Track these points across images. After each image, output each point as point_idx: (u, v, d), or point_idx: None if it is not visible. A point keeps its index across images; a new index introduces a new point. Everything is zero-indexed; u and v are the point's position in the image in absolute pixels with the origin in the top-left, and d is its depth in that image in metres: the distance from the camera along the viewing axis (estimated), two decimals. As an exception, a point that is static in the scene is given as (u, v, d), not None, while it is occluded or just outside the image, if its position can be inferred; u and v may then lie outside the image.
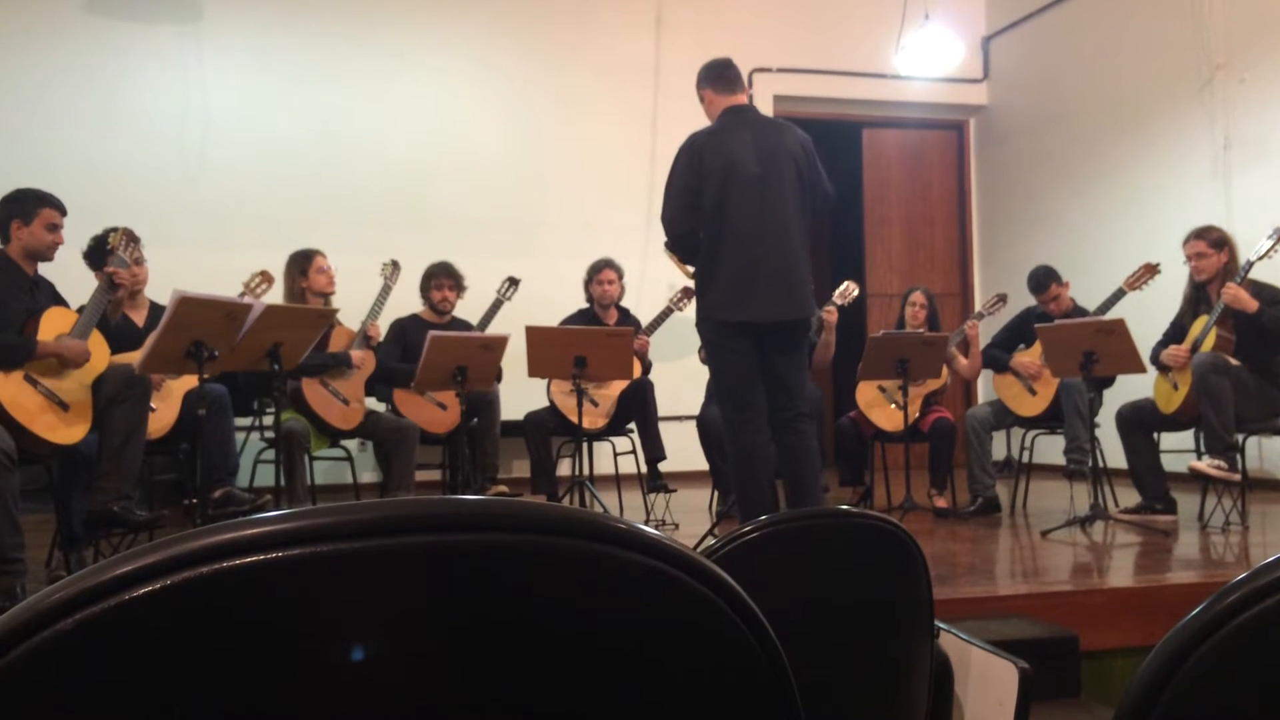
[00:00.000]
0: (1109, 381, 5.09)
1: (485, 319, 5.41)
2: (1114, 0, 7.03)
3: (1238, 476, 4.40)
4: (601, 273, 5.62)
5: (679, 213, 3.94)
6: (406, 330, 5.35)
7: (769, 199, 3.87)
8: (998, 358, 5.40)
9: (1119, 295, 5.00)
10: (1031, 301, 5.45)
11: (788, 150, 3.94)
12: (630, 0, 7.43)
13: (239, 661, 0.48)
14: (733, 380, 3.93)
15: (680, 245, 4.10)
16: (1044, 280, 5.30)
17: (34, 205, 3.72)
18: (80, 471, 3.74)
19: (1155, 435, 4.78)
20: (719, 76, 4.08)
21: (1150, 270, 5.01)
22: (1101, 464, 4.74)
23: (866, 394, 5.44)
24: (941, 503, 5.24)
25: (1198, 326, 4.62)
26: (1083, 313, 5.15)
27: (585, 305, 5.71)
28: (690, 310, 5.70)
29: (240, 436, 4.72)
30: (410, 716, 0.51)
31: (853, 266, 8.03)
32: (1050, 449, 5.48)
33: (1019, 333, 5.43)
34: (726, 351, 3.91)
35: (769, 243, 3.86)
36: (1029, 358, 5.26)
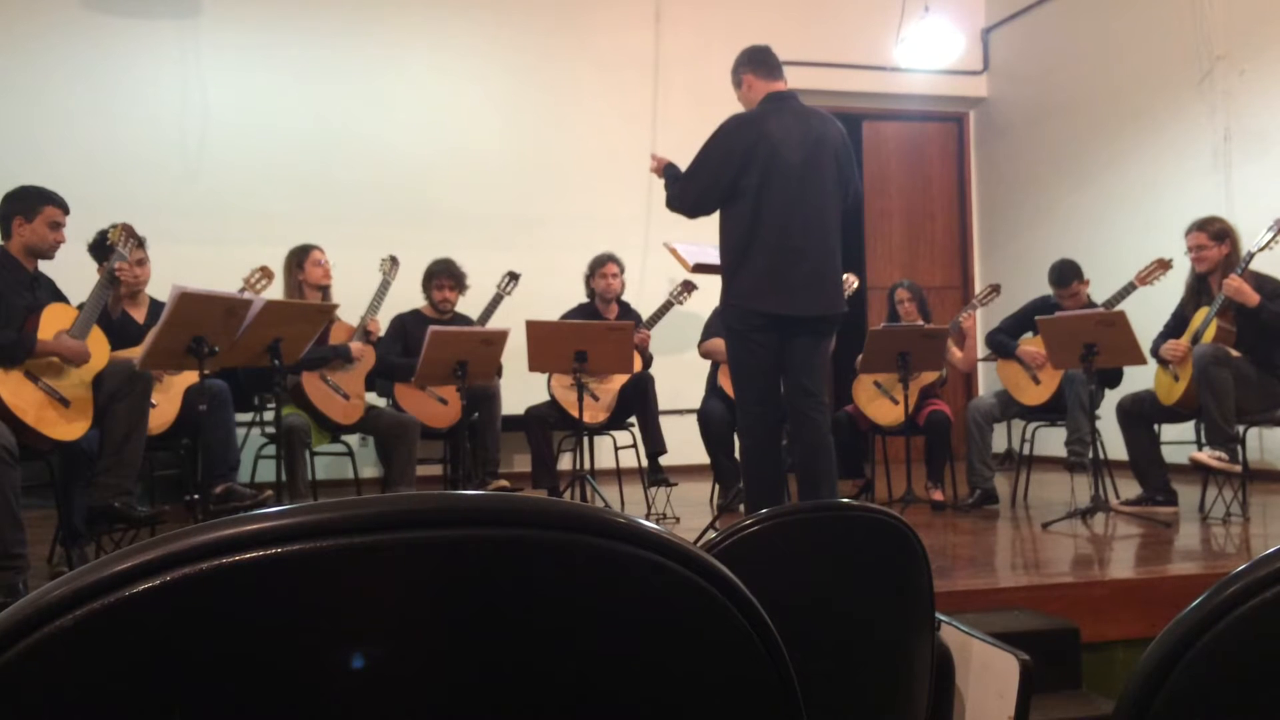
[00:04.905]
0: (1117, 380, 5.05)
1: (485, 314, 5.40)
2: (1114, -9, 7.02)
3: (1238, 468, 4.40)
4: (605, 266, 5.61)
5: (701, 198, 3.86)
6: (407, 325, 5.35)
7: (809, 190, 3.79)
8: (1004, 343, 5.32)
9: (1129, 289, 4.94)
10: (1048, 291, 5.41)
11: (829, 141, 3.87)
12: (629, -6, 7.42)
13: (238, 657, 0.48)
14: (752, 372, 3.85)
15: (681, 212, 3.99)
16: (1067, 275, 5.18)
17: (37, 202, 3.72)
18: (82, 468, 3.75)
19: (1156, 427, 4.78)
20: (761, 62, 3.99)
21: (1163, 265, 4.94)
22: (1102, 456, 4.73)
23: (862, 389, 5.44)
24: (937, 496, 5.23)
25: (1199, 318, 4.62)
26: (1095, 308, 5.09)
27: (586, 300, 5.71)
28: (690, 304, 5.72)
29: (241, 432, 4.72)
30: (410, 713, 0.51)
31: (852, 259, 7.99)
32: (1051, 441, 5.47)
33: (1030, 319, 5.35)
34: (750, 343, 3.82)
35: (807, 235, 3.78)
36: (1036, 346, 5.19)
